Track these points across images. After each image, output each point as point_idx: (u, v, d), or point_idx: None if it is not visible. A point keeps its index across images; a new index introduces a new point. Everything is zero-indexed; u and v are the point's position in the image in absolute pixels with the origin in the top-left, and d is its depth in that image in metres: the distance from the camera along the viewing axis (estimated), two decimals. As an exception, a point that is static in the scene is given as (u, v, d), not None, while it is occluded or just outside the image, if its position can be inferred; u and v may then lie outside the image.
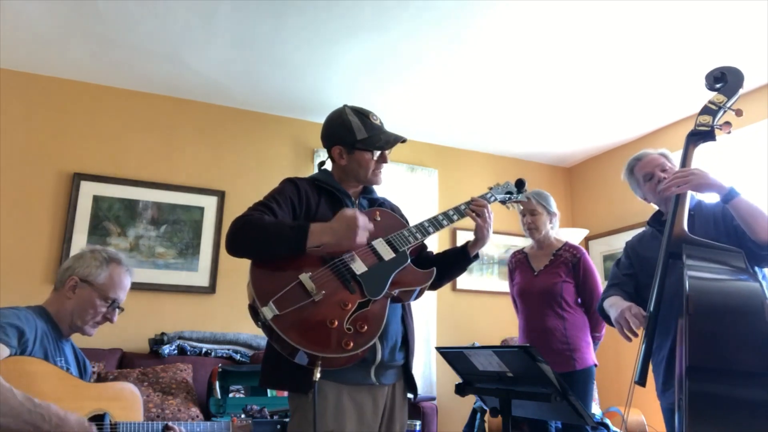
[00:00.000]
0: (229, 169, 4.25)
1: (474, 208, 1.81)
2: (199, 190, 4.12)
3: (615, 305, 2.03)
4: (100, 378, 3.19)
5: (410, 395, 1.82)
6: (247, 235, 1.57)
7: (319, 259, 1.59)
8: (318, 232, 1.56)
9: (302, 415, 1.58)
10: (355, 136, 1.77)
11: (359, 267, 1.62)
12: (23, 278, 3.61)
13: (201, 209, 4.10)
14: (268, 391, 3.47)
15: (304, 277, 1.54)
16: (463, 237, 4.84)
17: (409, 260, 1.71)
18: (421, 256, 1.88)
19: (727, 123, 1.99)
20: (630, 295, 2.12)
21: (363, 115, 1.80)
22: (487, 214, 1.81)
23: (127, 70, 3.84)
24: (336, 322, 1.51)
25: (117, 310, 1.86)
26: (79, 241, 3.76)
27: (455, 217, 1.81)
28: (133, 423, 1.73)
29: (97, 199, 3.87)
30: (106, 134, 4.00)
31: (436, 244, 4.62)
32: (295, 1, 3.05)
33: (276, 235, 1.55)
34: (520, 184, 2.02)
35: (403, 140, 1.82)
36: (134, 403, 1.79)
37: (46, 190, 3.79)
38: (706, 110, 2.02)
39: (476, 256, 1.85)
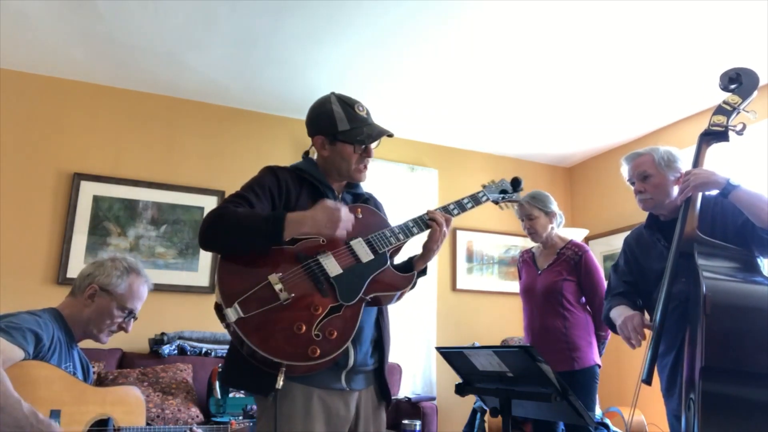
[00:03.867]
0: (229, 169, 4.25)
1: (430, 223, 1.67)
2: (199, 190, 4.12)
3: (620, 315, 2.03)
4: (101, 378, 3.19)
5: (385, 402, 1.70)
6: (220, 229, 1.47)
7: (291, 258, 1.50)
8: (295, 222, 1.47)
9: (268, 419, 1.47)
10: (336, 126, 1.65)
11: (334, 268, 1.52)
12: (23, 278, 3.61)
13: (201, 209, 4.10)
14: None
15: (273, 278, 1.45)
16: (463, 236, 4.84)
17: (388, 263, 1.61)
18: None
19: (742, 124, 1.98)
20: (635, 303, 2.10)
21: (348, 104, 1.68)
22: (443, 230, 1.67)
23: (127, 70, 3.84)
24: (303, 328, 1.43)
25: (132, 320, 1.87)
26: (79, 241, 3.76)
27: (416, 230, 1.67)
28: (136, 428, 1.74)
29: (97, 199, 3.87)
30: (106, 134, 4.00)
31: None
32: (295, 1, 3.05)
33: (250, 227, 1.46)
34: (516, 183, 1.92)
35: (389, 134, 1.69)
36: (137, 407, 1.80)
37: (46, 190, 3.79)
38: (720, 110, 2.01)
39: (423, 272, 1.72)
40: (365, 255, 1.58)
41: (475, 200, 1.81)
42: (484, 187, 1.89)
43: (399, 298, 1.66)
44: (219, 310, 1.45)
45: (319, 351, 1.42)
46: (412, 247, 1.75)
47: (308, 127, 1.74)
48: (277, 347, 1.39)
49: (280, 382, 1.39)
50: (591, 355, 2.77)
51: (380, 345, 1.67)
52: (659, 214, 2.13)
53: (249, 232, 1.46)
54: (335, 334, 1.45)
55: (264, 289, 1.44)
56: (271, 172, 1.67)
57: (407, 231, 1.65)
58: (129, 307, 1.84)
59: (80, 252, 3.74)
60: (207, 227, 1.49)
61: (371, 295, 1.56)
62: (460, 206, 1.77)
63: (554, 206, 2.97)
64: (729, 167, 3.62)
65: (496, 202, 1.90)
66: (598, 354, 2.84)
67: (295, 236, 1.50)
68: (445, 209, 1.74)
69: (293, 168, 1.71)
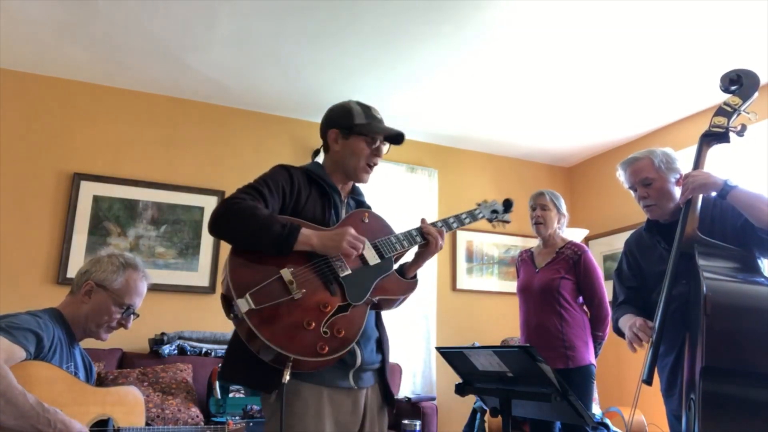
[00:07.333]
0: (229, 169, 4.25)
1: (426, 236, 1.72)
2: (199, 190, 4.12)
3: (626, 323, 2.03)
4: (101, 378, 3.19)
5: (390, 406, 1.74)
6: (236, 222, 1.48)
7: (303, 256, 1.52)
8: (306, 237, 1.51)
9: (276, 418, 1.47)
10: (354, 119, 1.70)
11: (343, 269, 1.56)
12: (23, 278, 3.61)
13: (201, 209, 4.10)
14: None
15: (286, 273, 1.47)
16: (463, 236, 4.84)
17: (393, 268, 1.68)
18: None
19: (742, 125, 1.98)
20: (641, 309, 2.11)
21: (366, 106, 1.76)
22: (439, 244, 1.73)
23: (127, 70, 3.84)
24: (313, 324, 1.45)
25: (132, 316, 1.86)
26: (79, 241, 3.76)
27: (419, 239, 1.73)
28: (136, 428, 1.74)
29: (97, 199, 3.87)
30: (106, 134, 4.00)
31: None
32: (295, 1, 3.05)
33: (266, 230, 1.47)
34: (507, 204, 2.01)
35: (401, 136, 1.72)
36: (137, 407, 1.80)
37: (46, 190, 3.79)
38: (721, 112, 2.00)
39: (414, 278, 1.76)
40: (372, 258, 1.62)
41: (473, 216, 1.93)
42: (478, 205, 2.01)
43: (400, 303, 1.73)
44: (227, 301, 1.45)
45: (327, 348, 1.45)
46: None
47: (323, 125, 1.78)
48: (287, 341, 1.41)
49: (287, 377, 1.39)
50: (586, 354, 2.79)
51: (380, 345, 1.71)
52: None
53: (263, 233, 1.47)
54: (343, 332, 1.49)
55: (276, 282, 1.46)
56: (285, 170, 1.69)
57: (411, 239, 1.71)
58: (126, 303, 1.82)
59: (80, 252, 3.74)
60: (222, 215, 1.50)
61: (377, 298, 1.61)
62: (459, 221, 1.86)
63: (565, 210, 3.08)
64: (729, 168, 3.62)
65: (490, 221, 2.01)
66: (595, 354, 2.86)
67: (302, 249, 1.51)
68: (445, 222, 1.81)
69: (304, 169, 1.74)
